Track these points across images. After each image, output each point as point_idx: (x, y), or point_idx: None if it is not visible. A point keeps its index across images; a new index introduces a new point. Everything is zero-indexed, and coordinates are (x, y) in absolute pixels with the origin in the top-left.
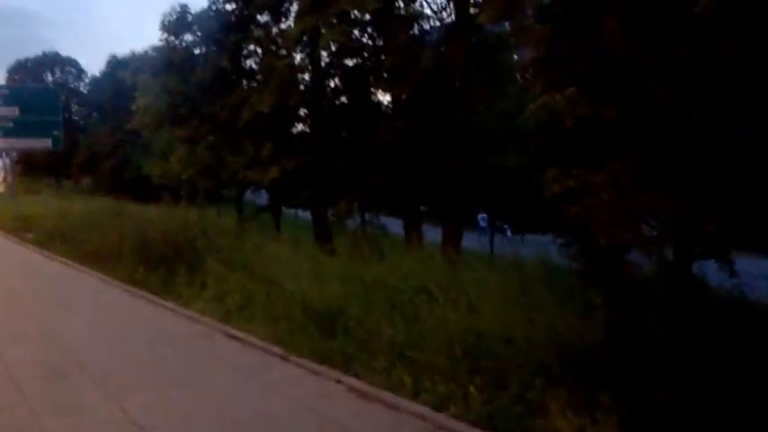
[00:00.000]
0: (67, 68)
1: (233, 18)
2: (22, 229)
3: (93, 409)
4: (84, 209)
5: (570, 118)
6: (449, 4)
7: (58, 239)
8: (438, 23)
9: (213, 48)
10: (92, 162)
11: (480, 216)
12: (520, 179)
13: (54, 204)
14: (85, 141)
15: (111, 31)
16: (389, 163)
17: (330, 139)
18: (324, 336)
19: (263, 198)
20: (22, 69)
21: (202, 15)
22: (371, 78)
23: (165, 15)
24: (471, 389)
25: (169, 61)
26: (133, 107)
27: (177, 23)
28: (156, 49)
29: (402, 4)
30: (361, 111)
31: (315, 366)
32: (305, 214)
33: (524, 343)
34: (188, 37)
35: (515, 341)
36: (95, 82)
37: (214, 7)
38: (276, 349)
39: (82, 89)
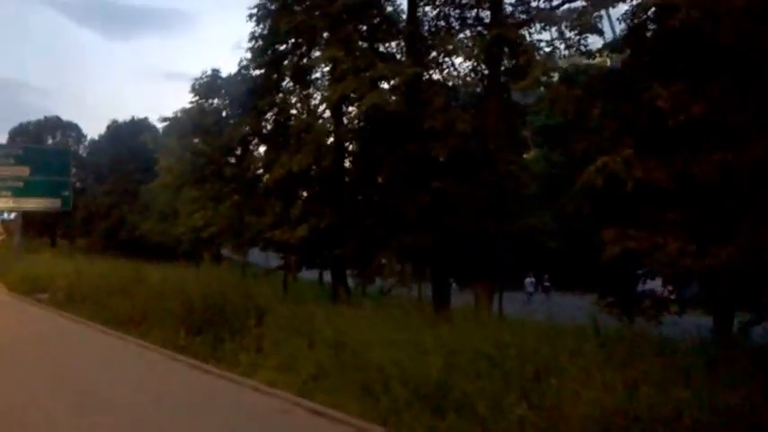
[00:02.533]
0: (67, 132)
1: (260, 82)
2: (34, 289)
3: None
4: (102, 269)
5: (631, 181)
6: (479, 67)
7: (77, 301)
8: (470, 86)
9: (241, 111)
10: (87, 222)
11: (528, 280)
12: (557, 239)
13: (68, 265)
14: (82, 202)
15: (103, 99)
16: (423, 224)
17: (360, 198)
18: (433, 414)
19: (256, 257)
20: (24, 133)
21: (231, 80)
22: (407, 141)
23: (195, 79)
24: None
25: (198, 123)
26: (157, 168)
27: (207, 87)
28: (185, 111)
29: (436, 70)
30: (394, 171)
31: None
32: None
33: (689, 421)
34: (216, 100)
35: (679, 422)
36: (94, 145)
37: (243, 72)
38: (379, 429)
39: (81, 152)
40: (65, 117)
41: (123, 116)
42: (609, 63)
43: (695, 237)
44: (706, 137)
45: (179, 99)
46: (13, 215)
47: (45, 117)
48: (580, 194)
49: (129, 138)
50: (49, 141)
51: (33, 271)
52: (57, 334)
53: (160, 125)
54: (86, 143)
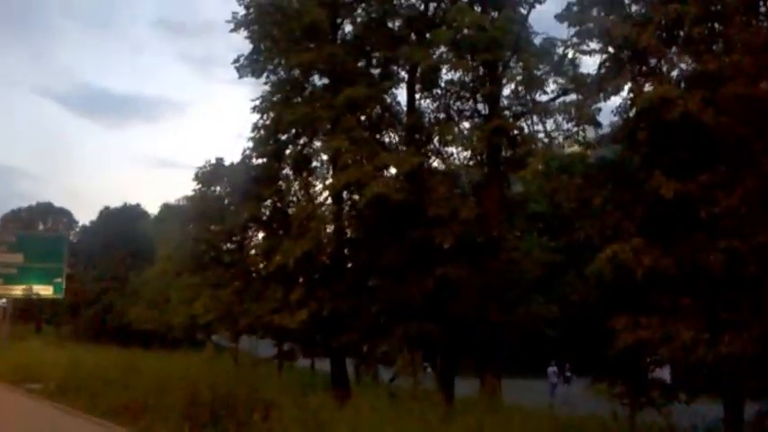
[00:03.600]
0: (59, 218)
1: (262, 170)
2: (25, 379)
3: None
4: (96, 358)
5: (641, 269)
6: (477, 157)
7: (71, 392)
8: (470, 174)
9: (242, 198)
10: (74, 309)
11: (551, 369)
12: (558, 327)
13: (58, 353)
14: (71, 288)
15: (95, 185)
16: (427, 311)
17: (363, 284)
18: None
19: (246, 345)
20: (16, 219)
21: (234, 168)
22: (410, 228)
23: (199, 168)
24: None
25: (200, 210)
26: (155, 256)
27: (210, 175)
28: (188, 198)
29: (436, 158)
30: (398, 258)
31: None
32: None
33: None
34: (219, 188)
35: None
36: (85, 231)
37: (246, 161)
38: None
39: (72, 238)
40: (57, 203)
41: (115, 202)
42: (606, 153)
43: (707, 324)
44: (710, 224)
45: (170, 186)
46: (2, 301)
47: (37, 203)
48: (588, 282)
49: (120, 224)
50: (41, 227)
51: (23, 359)
52: (54, 429)
53: (154, 212)
54: (78, 229)
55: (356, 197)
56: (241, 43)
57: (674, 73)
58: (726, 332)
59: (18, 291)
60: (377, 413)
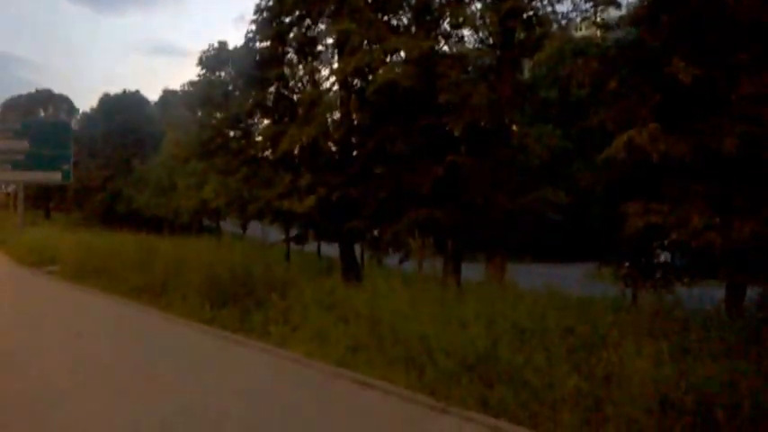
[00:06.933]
0: (59, 105)
1: (266, 54)
2: (41, 261)
3: None
4: (111, 242)
5: (657, 154)
6: (489, 39)
7: (90, 275)
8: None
9: (247, 83)
10: (82, 195)
11: None
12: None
13: (72, 237)
14: (76, 175)
15: (91, 72)
16: (437, 198)
17: (372, 171)
18: (481, 385)
19: (253, 230)
20: (15, 106)
21: (238, 52)
22: (421, 115)
23: (203, 52)
24: None
25: (205, 96)
26: (165, 140)
27: (214, 60)
28: (192, 83)
29: (447, 42)
30: (408, 145)
31: (492, 421)
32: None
33: (746, 391)
34: (223, 73)
35: (736, 391)
36: (87, 118)
37: (250, 45)
38: (428, 399)
39: (73, 125)
40: (56, 90)
41: (113, 89)
42: (623, 35)
43: (719, 210)
44: (727, 109)
45: (167, 73)
46: (11, 187)
47: (37, 90)
48: (597, 169)
49: (121, 111)
50: (41, 114)
51: (38, 243)
52: (84, 306)
53: (153, 99)
54: (78, 116)
55: (364, 83)
56: None
57: None
58: (737, 217)
59: (27, 176)
60: (392, 293)
